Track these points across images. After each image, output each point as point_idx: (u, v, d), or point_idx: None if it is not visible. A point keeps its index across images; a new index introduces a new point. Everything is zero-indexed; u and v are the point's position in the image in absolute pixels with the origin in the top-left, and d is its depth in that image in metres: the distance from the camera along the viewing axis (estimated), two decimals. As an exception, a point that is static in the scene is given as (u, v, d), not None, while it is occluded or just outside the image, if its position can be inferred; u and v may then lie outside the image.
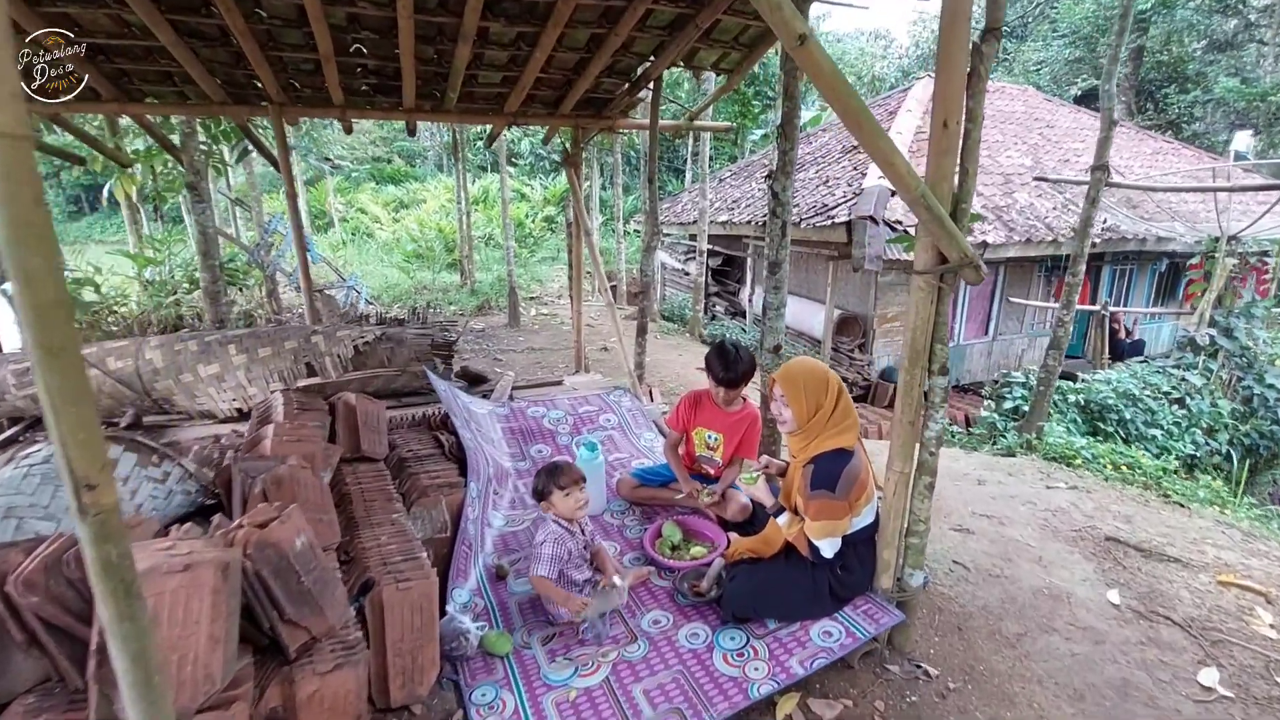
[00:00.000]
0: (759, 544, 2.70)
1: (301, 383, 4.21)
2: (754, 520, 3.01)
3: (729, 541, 2.93)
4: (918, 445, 2.34)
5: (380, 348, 4.37)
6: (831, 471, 2.33)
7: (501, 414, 4.19)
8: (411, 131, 5.20)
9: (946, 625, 2.76)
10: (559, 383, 5.16)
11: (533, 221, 19.27)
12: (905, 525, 2.43)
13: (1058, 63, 22.14)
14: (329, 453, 2.83)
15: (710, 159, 11.96)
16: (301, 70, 4.14)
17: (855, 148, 10.69)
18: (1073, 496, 4.13)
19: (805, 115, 17.22)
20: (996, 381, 7.12)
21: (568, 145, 5.28)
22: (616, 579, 2.58)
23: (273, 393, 3.26)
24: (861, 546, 2.48)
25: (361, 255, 15.54)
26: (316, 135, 18.84)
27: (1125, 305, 10.90)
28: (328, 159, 13.23)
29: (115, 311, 7.68)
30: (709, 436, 3.21)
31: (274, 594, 1.80)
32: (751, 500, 3.04)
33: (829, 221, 8.08)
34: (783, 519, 2.51)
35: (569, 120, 5.06)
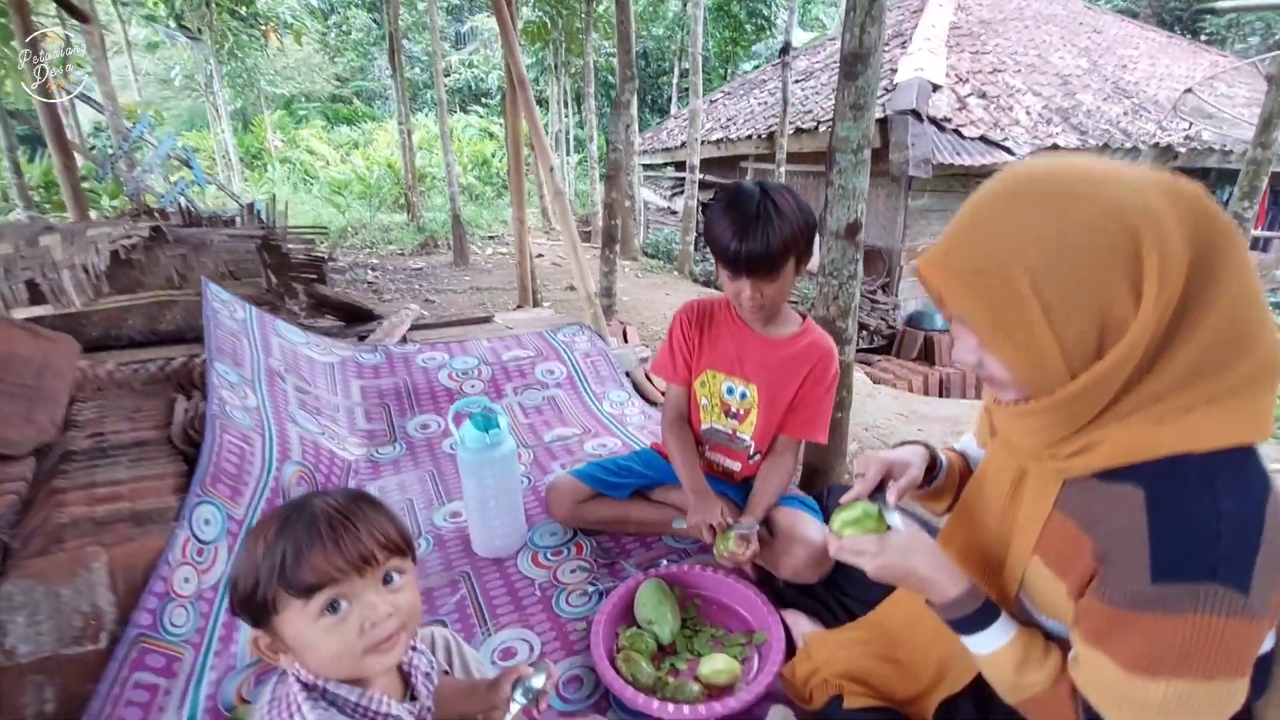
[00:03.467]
0: (883, 662, 1.07)
1: (19, 314, 2.46)
2: (840, 581, 1.35)
3: (790, 640, 1.28)
4: None
5: (164, 255, 2.60)
6: (1237, 526, 0.64)
7: (367, 363, 2.46)
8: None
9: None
10: (487, 319, 3.44)
11: (500, 161, 17.19)
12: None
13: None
14: None
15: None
16: None
17: (876, 47, 8.82)
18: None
19: (804, 36, 15.27)
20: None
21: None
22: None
23: None
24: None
25: (297, 195, 13.45)
26: (250, 61, 16.50)
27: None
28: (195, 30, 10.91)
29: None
30: (728, 389, 1.52)
31: None
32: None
33: (870, 146, 6.29)
34: (993, 639, 0.82)
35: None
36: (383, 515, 0.83)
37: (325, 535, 0.76)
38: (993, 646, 0.80)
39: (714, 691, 1.18)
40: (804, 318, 1.50)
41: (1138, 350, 0.66)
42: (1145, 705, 0.67)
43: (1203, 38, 18.13)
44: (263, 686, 1.16)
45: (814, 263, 1.72)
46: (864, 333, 7.79)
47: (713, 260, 1.39)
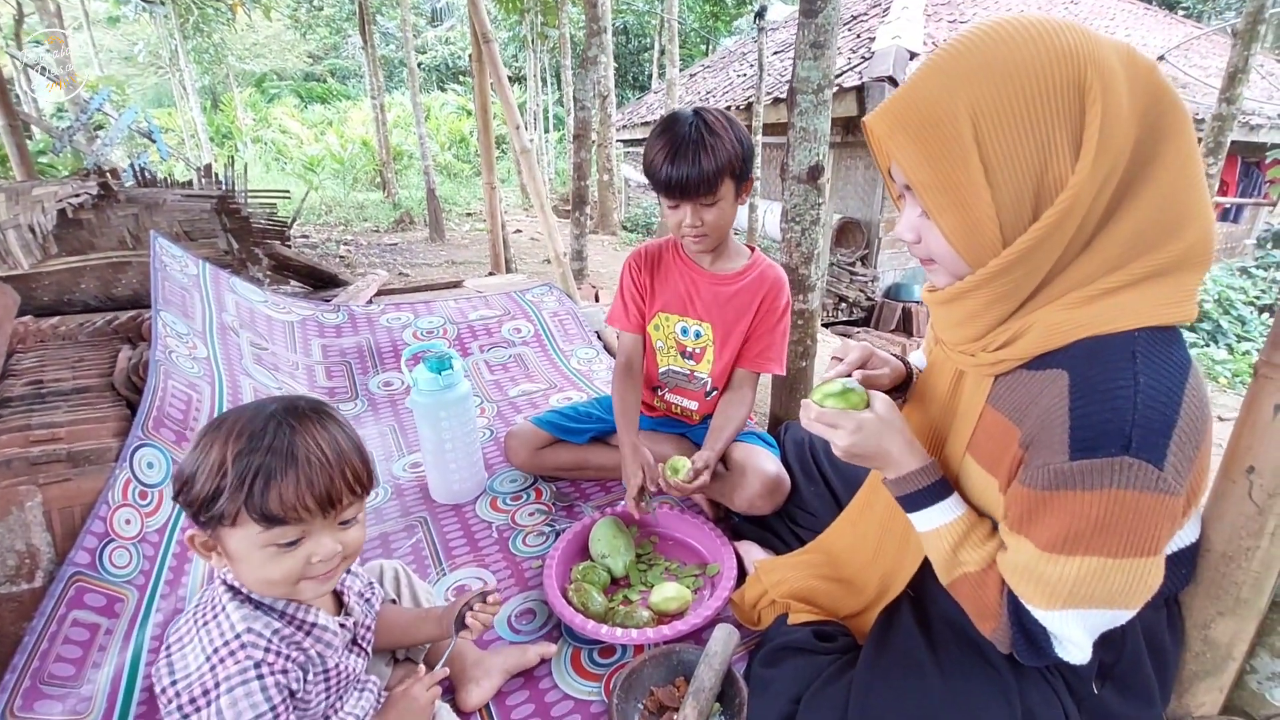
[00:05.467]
0: (829, 582, 1.08)
1: (-37, 275, 2.38)
2: (790, 509, 1.36)
3: (741, 567, 1.29)
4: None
5: (115, 215, 2.53)
6: (1153, 401, 0.64)
7: (329, 323, 2.42)
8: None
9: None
10: (456, 284, 3.40)
11: (478, 139, 16.91)
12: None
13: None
14: None
15: (679, 68, 9.90)
16: None
17: (856, 17, 8.77)
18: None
19: (785, 10, 15.13)
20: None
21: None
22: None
23: None
24: (1156, 618, 0.85)
25: (269, 174, 13.18)
26: (217, 37, 16.02)
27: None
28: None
29: None
30: (682, 329, 1.51)
31: None
32: (809, 455, 1.37)
33: (833, 88, 6.25)
34: (940, 515, 0.81)
35: None
36: (357, 454, 0.81)
37: (302, 471, 0.74)
38: (939, 522, 0.80)
39: (664, 618, 1.18)
40: (752, 250, 1.49)
41: (1071, 217, 0.65)
42: (1060, 583, 0.68)
43: (1180, 12, 18.25)
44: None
45: (775, 212, 1.69)
46: (843, 304, 7.82)
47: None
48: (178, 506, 1.36)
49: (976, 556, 0.77)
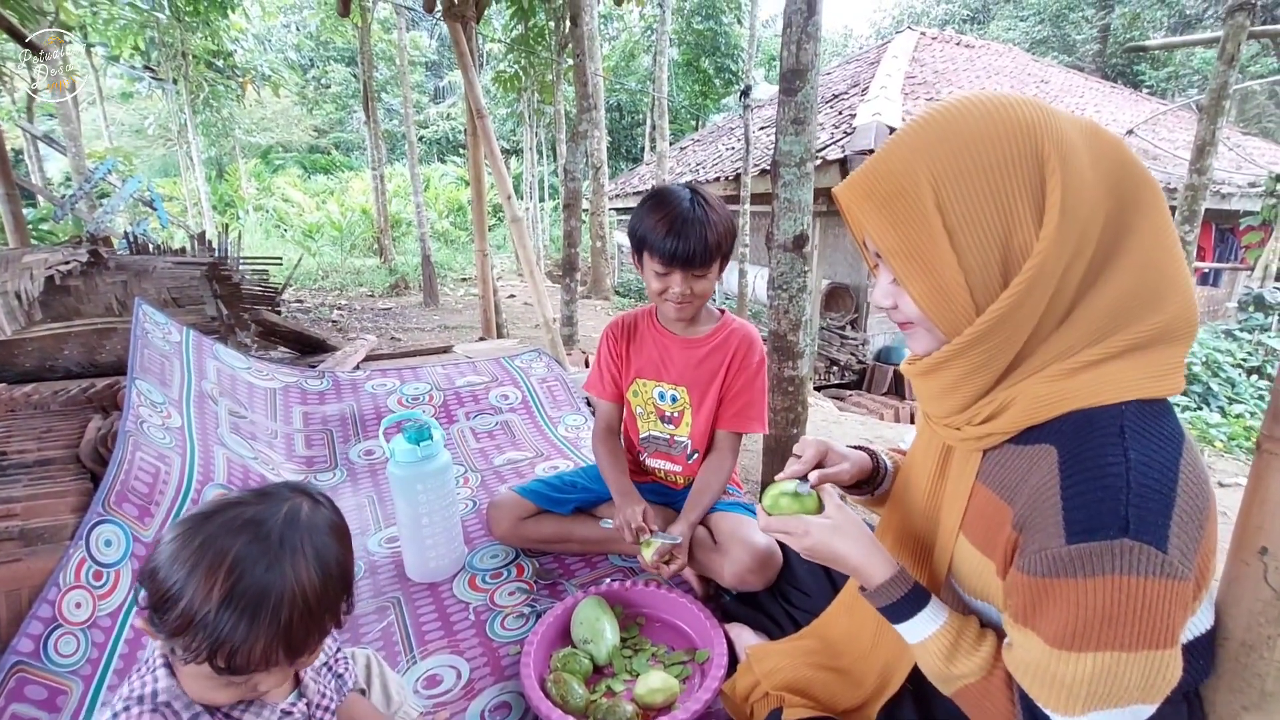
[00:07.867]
0: (826, 672, 1.01)
1: (-58, 343, 2.34)
2: (784, 588, 1.29)
3: (733, 655, 1.21)
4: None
5: (103, 282, 2.52)
6: (1147, 478, 0.61)
7: (312, 389, 2.38)
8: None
9: None
10: (446, 349, 3.38)
11: (472, 207, 17.36)
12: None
13: (1024, 43, 21.54)
14: None
15: (670, 142, 10.41)
16: None
17: (837, 95, 9.20)
18: None
19: (769, 89, 15.93)
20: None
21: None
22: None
23: None
24: (1177, 715, 0.78)
25: (269, 240, 13.40)
26: (226, 112, 16.63)
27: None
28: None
29: None
30: (659, 394, 1.50)
31: None
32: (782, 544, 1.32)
33: (817, 161, 6.49)
34: (922, 626, 0.77)
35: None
36: (343, 589, 0.76)
37: (281, 633, 0.68)
38: (923, 634, 0.75)
39: (649, 712, 1.09)
40: (722, 313, 1.50)
41: (1040, 284, 0.64)
42: (1075, 683, 0.62)
43: (1144, 90, 19.32)
44: None
45: (765, 278, 1.71)
46: (835, 368, 7.85)
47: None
48: (135, 587, 1.29)
49: (972, 665, 0.72)
